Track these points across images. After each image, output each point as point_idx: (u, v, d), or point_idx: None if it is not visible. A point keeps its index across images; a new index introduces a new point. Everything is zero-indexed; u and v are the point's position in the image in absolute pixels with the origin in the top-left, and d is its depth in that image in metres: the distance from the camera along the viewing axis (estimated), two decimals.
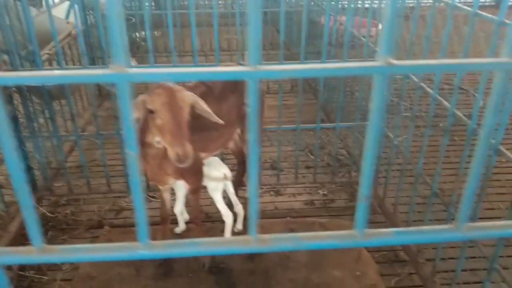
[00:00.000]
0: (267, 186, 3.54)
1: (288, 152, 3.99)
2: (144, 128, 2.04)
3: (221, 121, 2.07)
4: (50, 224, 3.10)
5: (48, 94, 2.99)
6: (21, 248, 0.64)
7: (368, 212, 0.67)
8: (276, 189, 3.53)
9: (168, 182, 2.41)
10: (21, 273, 2.64)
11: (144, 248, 0.66)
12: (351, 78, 3.95)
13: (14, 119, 2.96)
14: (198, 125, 2.35)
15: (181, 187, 2.80)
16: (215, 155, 2.89)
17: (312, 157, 3.74)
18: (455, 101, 2.26)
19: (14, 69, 2.85)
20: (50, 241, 2.93)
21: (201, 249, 0.69)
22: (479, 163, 0.65)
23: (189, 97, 1.97)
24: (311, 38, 5.05)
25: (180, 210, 2.93)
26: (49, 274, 2.66)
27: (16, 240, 2.82)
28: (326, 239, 0.68)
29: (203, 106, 2.05)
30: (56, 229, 3.05)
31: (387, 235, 0.68)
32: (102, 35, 3.13)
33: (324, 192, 3.50)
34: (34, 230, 0.63)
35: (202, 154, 2.46)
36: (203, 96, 2.42)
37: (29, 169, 3.16)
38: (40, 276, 2.64)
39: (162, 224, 2.69)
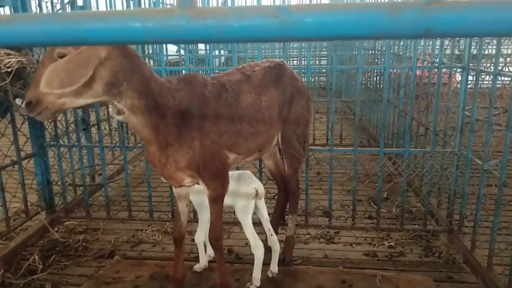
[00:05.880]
0: (316, 229, 2.86)
1: (345, 201, 3.32)
2: None
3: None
4: (57, 248, 2.66)
5: None
6: None
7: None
8: (327, 235, 2.83)
9: (182, 182, 1.89)
10: None
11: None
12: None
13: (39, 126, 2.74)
14: (226, 112, 1.90)
15: (206, 208, 2.26)
16: (247, 169, 2.37)
17: (375, 206, 3.03)
18: None
19: None
20: (51, 265, 2.48)
21: None
22: None
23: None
24: None
25: (201, 240, 2.36)
26: None
27: None
28: None
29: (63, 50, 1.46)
30: (62, 255, 2.60)
31: None
32: None
33: (391, 244, 2.73)
34: None
35: (230, 155, 1.94)
36: (237, 84, 2.01)
37: (48, 183, 2.84)
38: None
39: (175, 246, 2.13)
